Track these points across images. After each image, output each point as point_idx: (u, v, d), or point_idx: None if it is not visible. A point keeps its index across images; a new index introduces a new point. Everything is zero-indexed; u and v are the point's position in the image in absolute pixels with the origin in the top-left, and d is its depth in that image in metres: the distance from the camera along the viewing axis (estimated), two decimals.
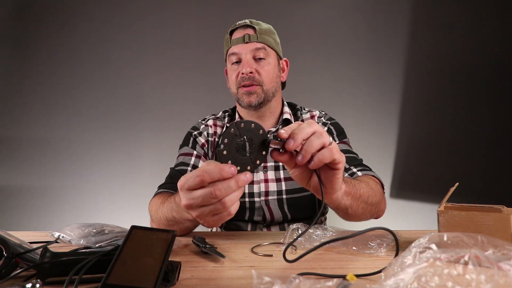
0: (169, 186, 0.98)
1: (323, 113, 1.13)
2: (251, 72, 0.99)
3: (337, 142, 1.05)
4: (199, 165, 1.03)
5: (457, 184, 0.72)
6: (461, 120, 2.24)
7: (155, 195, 0.96)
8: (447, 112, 2.25)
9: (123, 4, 2.22)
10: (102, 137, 2.17)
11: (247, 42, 1.01)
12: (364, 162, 1.03)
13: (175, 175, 1.01)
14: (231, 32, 1.05)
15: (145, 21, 2.22)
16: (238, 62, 1.02)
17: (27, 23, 2.19)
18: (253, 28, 1.02)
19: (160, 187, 1.00)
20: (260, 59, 1.01)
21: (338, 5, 2.26)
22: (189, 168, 1.02)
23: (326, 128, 1.07)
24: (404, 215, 2.06)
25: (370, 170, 0.97)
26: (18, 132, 2.16)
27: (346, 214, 0.79)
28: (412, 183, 2.20)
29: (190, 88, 2.20)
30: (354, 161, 0.99)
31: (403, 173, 2.20)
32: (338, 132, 1.08)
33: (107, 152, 2.17)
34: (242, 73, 1.00)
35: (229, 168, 0.51)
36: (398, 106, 2.25)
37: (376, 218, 0.93)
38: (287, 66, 1.13)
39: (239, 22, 1.05)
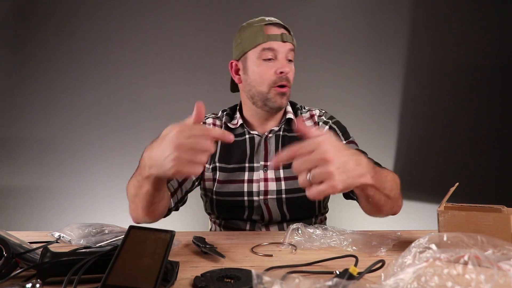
0: None
1: (323, 111, 1.11)
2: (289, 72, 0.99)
3: (344, 142, 1.03)
4: None
5: (457, 184, 0.72)
6: (461, 120, 2.24)
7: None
8: (447, 112, 2.25)
9: (123, 4, 2.22)
10: (102, 137, 2.17)
11: (285, 42, 0.99)
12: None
13: None
14: (262, 26, 1.00)
15: (145, 21, 2.22)
16: (272, 59, 0.98)
17: (27, 23, 2.19)
18: (286, 29, 1.02)
19: None
20: (290, 61, 1.01)
21: (338, 5, 2.26)
22: None
23: (327, 127, 1.06)
24: (404, 215, 2.06)
25: (385, 168, 0.94)
26: (18, 132, 2.16)
27: (368, 207, 0.81)
28: (412, 183, 2.20)
29: (190, 88, 2.20)
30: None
31: (403, 173, 2.20)
32: (342, 131, 1.06)
33: (107, 152, 2.17)
34: (281, 72, 0.97)
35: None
36: (398, 106, 2.25)
37: (394, 214, 0.88)
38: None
39: (269, 18, 1.02)
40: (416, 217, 2.12)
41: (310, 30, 2.21)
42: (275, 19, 1.02)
